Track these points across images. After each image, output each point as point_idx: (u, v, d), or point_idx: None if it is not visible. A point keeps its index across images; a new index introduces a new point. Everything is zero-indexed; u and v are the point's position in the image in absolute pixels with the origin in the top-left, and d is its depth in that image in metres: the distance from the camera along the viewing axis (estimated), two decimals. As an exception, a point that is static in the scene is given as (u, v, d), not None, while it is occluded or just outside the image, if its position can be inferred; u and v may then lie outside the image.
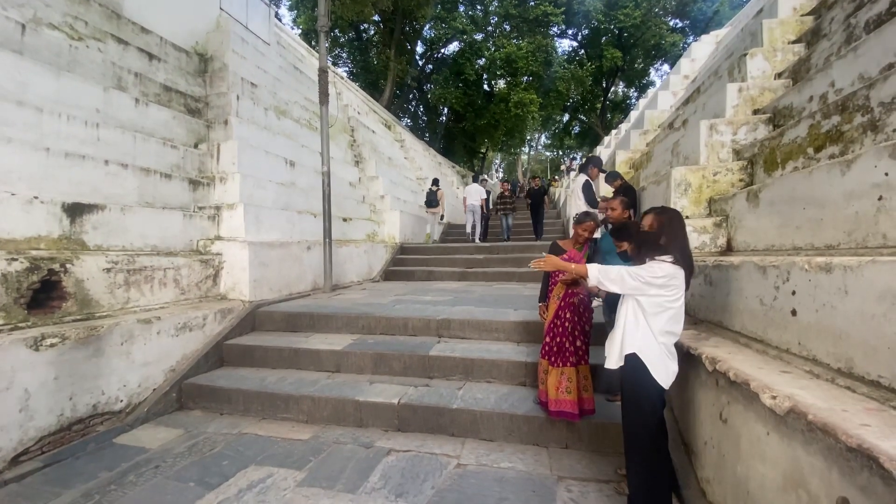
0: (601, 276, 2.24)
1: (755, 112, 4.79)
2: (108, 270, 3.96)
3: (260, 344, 4.56)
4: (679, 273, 2.15)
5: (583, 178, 6.25)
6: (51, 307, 3.52)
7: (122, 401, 3.69)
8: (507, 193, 11.38)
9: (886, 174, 2.12)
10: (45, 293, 3.48)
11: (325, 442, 3.36)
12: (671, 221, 2.28)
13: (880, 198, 2.16)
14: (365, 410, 3.61)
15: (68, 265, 3.64)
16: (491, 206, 12.32)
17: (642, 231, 2.31)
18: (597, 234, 4.40)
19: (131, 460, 3.11)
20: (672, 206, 4.29)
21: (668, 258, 2.17)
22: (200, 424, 3.71)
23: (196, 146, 6.04)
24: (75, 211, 4.04)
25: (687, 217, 4.17)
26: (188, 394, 4.06)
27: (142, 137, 5.11)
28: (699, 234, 3.88)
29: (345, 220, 8.32)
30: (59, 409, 3.23)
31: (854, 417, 1.49)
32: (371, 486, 2.75)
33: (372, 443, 3.33)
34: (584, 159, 7.87)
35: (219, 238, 5.46)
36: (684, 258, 2.20)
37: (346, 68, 26.42)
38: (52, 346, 3.18)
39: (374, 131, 12.86)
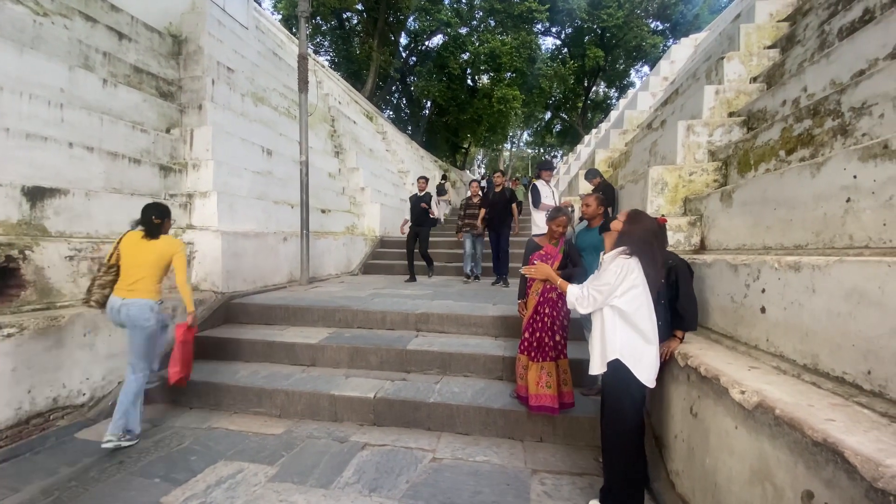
0: (577, 303, 2.25)
1: (731, 114, 4.89)
2: (71, 258, 3.78)
3: (232, 336, 4.44)
4: (632, 262, 2.16)
5: (533, 182, 6.43)
6: (8, 296, 3.34)
7: (84, 394, 3.55)
8: (475, 200, 7.27)
9: (855, 177, 2.18)
10: (2, 281, 3.29)
11: (298, 436, 3.30)
12: (637, 223, 2.30)
13: (848, 200, 2.23)
14: (340, 405, 3.56)
15: (27, 252, 3.46)
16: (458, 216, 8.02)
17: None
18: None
19: (93, 455, 2.99)
20: (650, 204, 4.37)
21: (621, 249, 2.20)
22: (168, 419, 3.59)
23: (168, 131, 5.82)
24: (36, 195, 3.84)
25: (662, 216, 4.24)
26: (156, 387, 3.92)
27: (109, 120, 4.89)
28: (674, 233, 3.95)
29: (323, 211, 8.18)
30: (16, 403, 3.07)
31: (819, 412, 1.53)
32: (345, 481, 2.71)
33: (347, 437, 3.28)
34: (562, 158, 7.90)
35: (191, 227, 5.29)
36: (642, 250, 2.20)
37: (328, 57, 25.90)
38: (9, 336, 3.02)
39: (355, 122, 12.66)
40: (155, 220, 3.21)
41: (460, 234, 7.38)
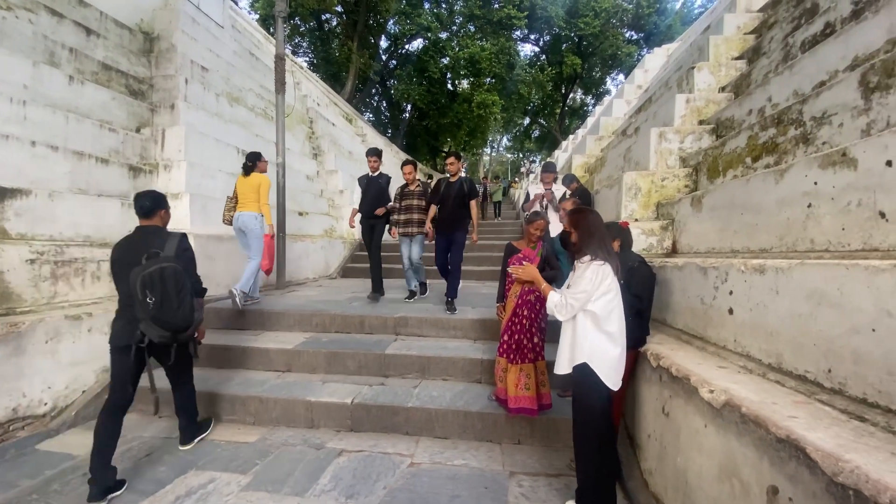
0: (556, 310, 2.28)
1: (701, 122, 5.05)
2: (33, 262, 3.62)
3: (204, 342, 4.30)
4: (606, 269, 2.20)
5: (527, 187, 5.86)
6: (-38, 301, 3.20)
7: (46, 404, 3.39)
8: (413, 187, 5.46)
9: (816, 183, 2.28)
10: (-45, 285, 3.15)
11: (272, 444, 3.22)
12: (583, 221, 2.34)
13: (809, 205, 2.32)
14: (316, 411, 3.50)
15: (-16, 255, 3.30)
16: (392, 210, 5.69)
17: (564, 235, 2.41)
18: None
19: (56, 468, 2.86)
20: (625, 209, 4.46)
21: (588, 258, 2.23)
22: (136, 428, 3.46)
23: (138, 130, 5.65)
24: (-6, 195, 3.67)
25: (636, 220, 4.35)
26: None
27: (75, 118, 4.72)
28: (647, 237, 4.04)
29: (301, 214, 8.06)
30: (-30, 414, 2.92)
31: (783, 410, 1.58)
32: (321, 489, 2.66)
33: (323, 444, 3.23)
34: (539, 162, 6.73)
35: (162, 229, 5.13)
36: (605, 253, 2.24)
37: (307, 58, 25.65)
38: (-38, 343, 2.88)
39: (334, 124, 12.56)
40: (248, 164, 5.01)
41: (394, 230, 5.59)
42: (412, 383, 3.83)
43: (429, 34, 24.11)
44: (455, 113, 25.71)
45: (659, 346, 2.63)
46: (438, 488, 2.68)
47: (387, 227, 5.76)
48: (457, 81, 27.47)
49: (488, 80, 25.05)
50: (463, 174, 5.16)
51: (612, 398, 2.26)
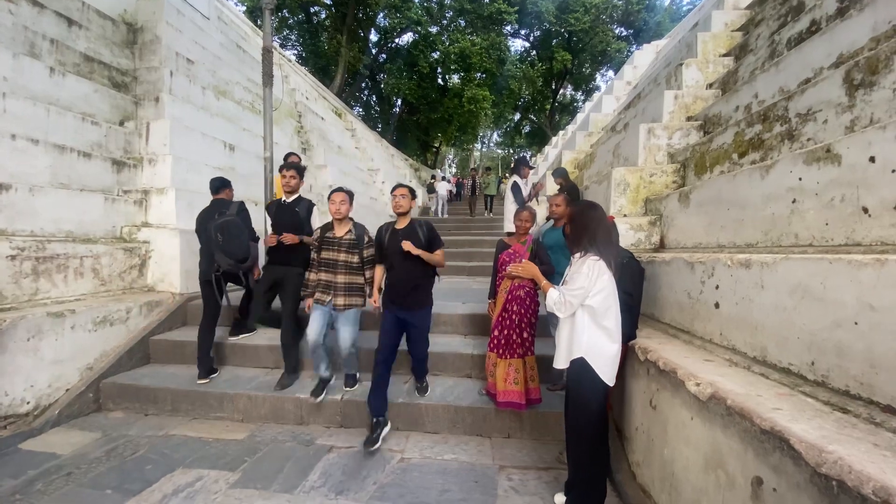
0: (555, 307, 2.25)
1: (689, 118, 5.08)
2: (13, 258, 3.54)
3: (191, 339, 4.23)
4: (601, 264, 2.19)
5: (513, 179, 5.97)
6: (-61, 298, 3.13)
7: (28, 402, 3.33)
8: (343, 233, 3.35)
9: (800, 179, 2.31)
10: (-69, 282, 3.08)
11: (262, 441, 3.20)
12: (578, 215, 2.33)
13: (794, 201, 2.35)
14: (306, 407, 3.49)
15: (-38, 251, 3.22)
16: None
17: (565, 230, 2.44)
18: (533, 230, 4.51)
19: (39, 467, 2.82)
20: (613, 204, 4.49)
21: (581, 253, 2.23)
22: (121, 427, 3.42)
23: (122, 124, 5.53)
24: (-28, 190, 3.58)
25: (625, 215, 4.38)
26: (108, 394, 3.73)
27: (57, 111, 4.60)
28: (635, 232, 4.08)
29: (290, 209, 7.97)
30: (-52, 414, 2.86)
31: (767, 402, 1.61)
32: (310, 485, 2.65)
33: (313, 440, 3.22)
34: (530, 158, 6.35)
35: (146, 225, 5.04)
36: (596, 249, 2.21)
37: (295, 51, 25.36)
38: (-61, 342, 2.81)
39: (323, 118, 12.42)
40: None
41: (308, 301, 3.47)
42: (402, 379, 3.82)
43: (419, 28, 23.93)
44: (445, 108, 25.63)
45: (647, 341, 2.66)
46: (428, 483, 2.69)
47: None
48: (447, 76, 27.35)
49: (479, 75, 25.00)
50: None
51: (606, 392, 2.27)
